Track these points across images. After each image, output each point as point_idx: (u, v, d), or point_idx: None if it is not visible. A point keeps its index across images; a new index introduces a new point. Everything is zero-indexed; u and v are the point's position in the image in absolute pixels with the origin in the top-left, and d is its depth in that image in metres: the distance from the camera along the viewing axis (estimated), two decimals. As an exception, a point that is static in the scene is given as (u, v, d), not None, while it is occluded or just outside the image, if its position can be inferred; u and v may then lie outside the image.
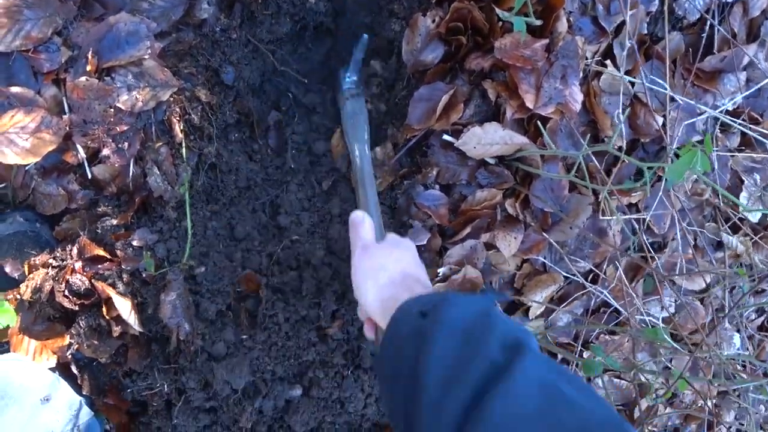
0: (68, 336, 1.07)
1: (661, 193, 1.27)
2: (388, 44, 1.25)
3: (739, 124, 1.25)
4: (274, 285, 1.14)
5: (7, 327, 1.08)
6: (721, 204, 1.36)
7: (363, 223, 0.97)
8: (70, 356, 1.06)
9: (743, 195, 1.42)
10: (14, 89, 1.02)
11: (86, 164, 1.07)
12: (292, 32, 1.26)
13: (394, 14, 1.22)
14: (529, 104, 1.13)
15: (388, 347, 0.72)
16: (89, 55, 1.03)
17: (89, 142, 1.05)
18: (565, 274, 1.28)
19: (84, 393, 1.09)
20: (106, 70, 1.05)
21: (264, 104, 1.27)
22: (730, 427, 1.53)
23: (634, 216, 1.22)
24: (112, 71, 1.05)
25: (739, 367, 1.48)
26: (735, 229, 1.43)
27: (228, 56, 1.17)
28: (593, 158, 1.20)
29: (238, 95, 1.20)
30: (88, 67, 1.03)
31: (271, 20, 1.20)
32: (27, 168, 1.06)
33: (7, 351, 1.10)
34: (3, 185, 1.09)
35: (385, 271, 0.87)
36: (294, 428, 1.11)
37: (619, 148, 1.25)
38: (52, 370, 1.06)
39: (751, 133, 1.27)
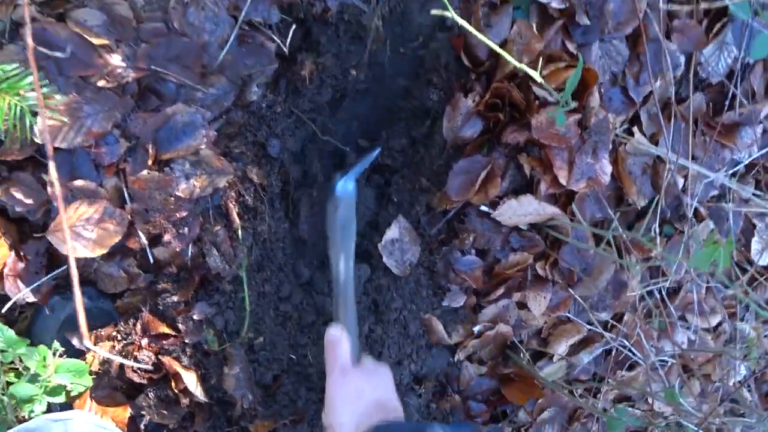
0: (129, 407, 1.15)
1: (681, 252, 1.35)
2: (425, 112, 1.29)
3: (750, 191, 1.32)
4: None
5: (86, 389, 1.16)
6: (735, 252, 1.45)
7: (340, 343, 0.98)
8: (142, 426, 1.15)
9: (755, 239, 1.51)
10: (77, 183, 1.07)
11: (148, 249, 1.13)
12: (331, 99, 1.30)
13: (432, 84, 1.26)
14: (563, 180, 1.20)
15: None
16: (149, 148, 1.08)
17: (150, 229, 1.11)
18: (587, 325, 1.38)
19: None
20: (164, 161, 1.10)
21: (305, 173, 1.32)
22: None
23: (657, 285, 1.30)
24: (170, 161, 1.10)
25: (745, 392, 1.61)
26: (744, 271, 1.53)
27: (273, 129, 1.21)
28: (620, 229, 1.27)
29: (282, 165, 1.25)
30: (149, 161, 1.07)
31: (313, 91, 1.24)
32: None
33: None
34: (65, 267, 1.15)
35: (363, 399, 0.91)
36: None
37: (642, 208, 1.33)
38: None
39: (752, 197, 1.34)
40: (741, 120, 1.41)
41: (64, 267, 1.15)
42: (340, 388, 0.93)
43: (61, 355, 1.12)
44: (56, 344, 1.10)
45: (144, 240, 1.12)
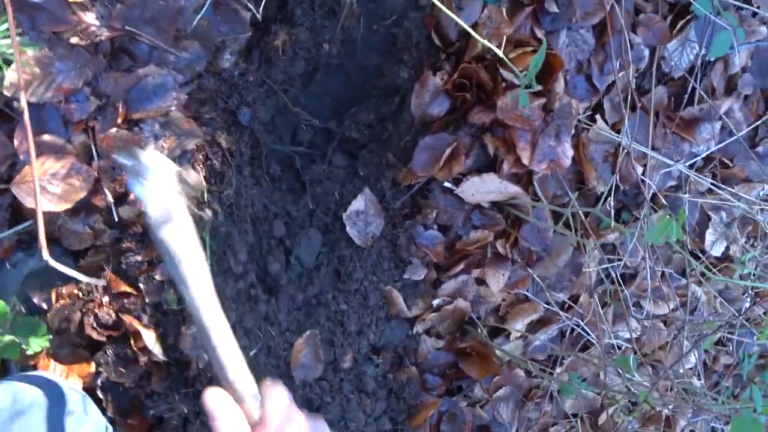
0: (93, 363, 1.16)
1: (636, 237, 1.40)
2: (395, 90, 1.32)
3: (708, 181, 1.37)
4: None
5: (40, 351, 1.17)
6: (690, 242, 1.50)
7: (223, 414, 0.66)
8: (99, 382, 1.16)
9: (709, 231, 1.56)
10: (45, 137, 1.08)
11: (113, 207, 1.14)
12: (304, 72, 1.32)
13: (403, 62, 1.29)
14: (525, 161, 1.23)
15: None
16: (119, 107, 1.09)
17: (117, 187, 1.12)
18: (544, 305, 1.42)
19: (108, 414, 1.19)
20: (134, 121, 1.11)
21: (277, 142, 1.34)
22: (684, 430, 1.73)
23: (613, 263, 1.35)
24: (140, 121, 1.11)
25: (695, 379, 1.66)
26: (698, 258, 1.58)
27: (245, 98, 1.23)
28: (577, 206, 1.32)
29: (252, 133, 1.27)
30: (118, 119, 1.09)
31: (286, 63, 1.27)
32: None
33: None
34: (30, 222, 1.16)
35: None
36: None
37: (602, 194, 1.38)
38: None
39: (711, 185, 1.40)
40: (700, 115, 1.46)
41: (29, 222, 1.16)
42: None
43: (21, 312, 1.13)
44: (15, 299, 1.11)
45: (110, 198, 1.13)
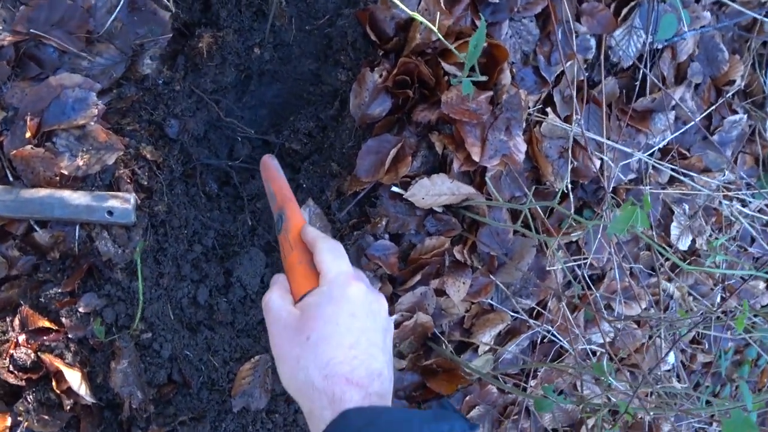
0: (9, 415, 1.03)
1: (600, 233, 1.33)
2: (333, 95, 1.25)
3: (669, 167, 1.32)
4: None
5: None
6: (655, 237, 1.44)
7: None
8: (17, 433, 1.03)
9: (674, 224, 1.51)
10: (-58, 160, 0.97)
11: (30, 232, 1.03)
12: (236, 81, 1.24)
13: (340, 64, 1.22)
14: (476, 157, 1.16)
15: None
16: (27, 119, 0.99)
17: (29, 210, 1.01)
18: (511, 313, 1.33)
19: (33, 467, 1.05)
20: (46, 134, 1.01)
21: (212, 156, 1.25)
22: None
23: (578, 262, 1.27)
24: (53, 135, 1.01)
25: (674, 380, 1.58)
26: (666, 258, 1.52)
27: (171, 109, 1.14)
28: (534, 202, 1.24)
29: (182, 148, 1.18)
30: (27, 133, 0.98)
31: (215, 71, 1.18)
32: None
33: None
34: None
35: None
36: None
37: (561, 191, 1.31)
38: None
39: (676, 174, 1.35)
40: (653, 106, 1.42)
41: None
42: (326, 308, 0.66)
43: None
44: None
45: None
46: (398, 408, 0.94)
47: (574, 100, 1.23)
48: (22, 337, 1.03)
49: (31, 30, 0.98)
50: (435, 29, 0.94)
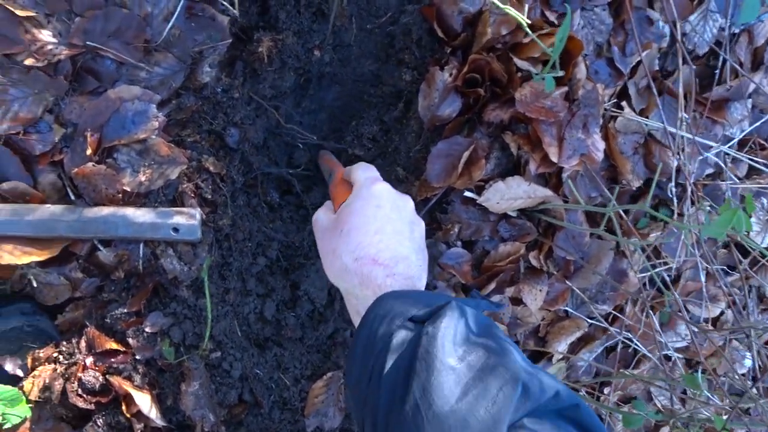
0: (80, 437, 0.99)
1: (680, 233, 1.25)
2: (397, 96, 1.18)
3: (748, 158, 1.24)
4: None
5: (24, 420, 0.99)
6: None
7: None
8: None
9: (753, 220, 1.42)
10: (4, 186, 0.93)
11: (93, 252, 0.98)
12: (295, 85, 1.18)
13: (404, 63, 1.16)
14: (554, 158, 1.09)
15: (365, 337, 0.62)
16: (88, 135, 0.94)
17: (93, 228, 0.97)
18: (587, 320, 1.26)
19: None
20: (107, 150, 0.96)
21: (272, 164, 1.19)
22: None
23: (660, 267, 1.20)
24: (114, 150, 0.97)
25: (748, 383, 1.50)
26: (744, 254, 1.44)
27: (231, 117, 1.09)
28: (616, 205, 1.17)
29: (243, 157, 1.13)
30: (88, 150, 0.94)
31: (274, 75, 1.13)
32: (26, 260, 0.97)
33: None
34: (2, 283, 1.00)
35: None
36: None
37: (638, 189, 1.24)
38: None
39: (756, 165, 1.27)
40: (730, 95, 1.34)
41: (-7, 281, 1.00)
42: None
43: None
44: (-16, 369, 0.95)
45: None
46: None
47: (654, 91, 1.15)
48: (89, 360, 0.99)
49: (88, 42, 0.93)
50: (522, 19, 0.87)
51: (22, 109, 0.92)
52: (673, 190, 1.26)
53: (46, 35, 0.92)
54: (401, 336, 0.59)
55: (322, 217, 0.83)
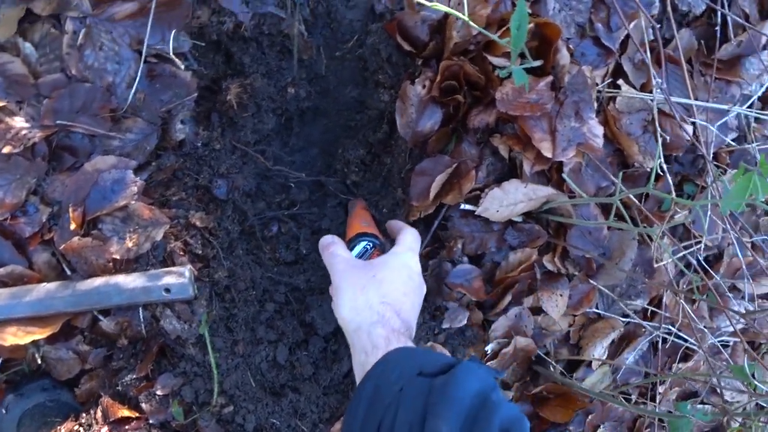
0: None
1: (710, 208, 1.15)
2: (380, 118, 1.15)
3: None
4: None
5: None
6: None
7: (335, 243, 0.89)
8: None
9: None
10: (1, 271, 0.96)
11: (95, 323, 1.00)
12: (278, 126, 1.17)
13: (380, 84, 1.13)
14: (547, 153, 1.03)
15: (371, 387, 0.65)
16: (71, 210, 0.96)
17: (91, 301, 0.98)
18: (621, 318, 1.17)
19: None
20: (91, 222, 0.98)
21: (266, 209, 1.19)
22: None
23: (690, 248, 1.10)
24: (98, 221, 0.98)
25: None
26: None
27: (216, 169, 1.09)
28: (625, 189, 1.09)
29: (235, 206, 1.12)
30: (72, 225, 0.95)
31: (253, 120, 1.12)
32: (32, 340, 1.00)
33: None
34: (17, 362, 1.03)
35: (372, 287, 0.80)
36: None
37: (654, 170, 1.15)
38: None
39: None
40: (741, 51, 1.23)
41: (11, 363, 1.03)
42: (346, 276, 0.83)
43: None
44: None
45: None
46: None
47: (649, 63, 1.06)
48: (104, 430, 0.99)
49: (58, 121, 0.95)
50: (466, 18, 0.82)
51: (7, 196, 0.95)
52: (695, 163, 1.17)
53: (19, 121, 0.95)
54: (415, 388, 0.62)
55: (344, 253, 0.87)
